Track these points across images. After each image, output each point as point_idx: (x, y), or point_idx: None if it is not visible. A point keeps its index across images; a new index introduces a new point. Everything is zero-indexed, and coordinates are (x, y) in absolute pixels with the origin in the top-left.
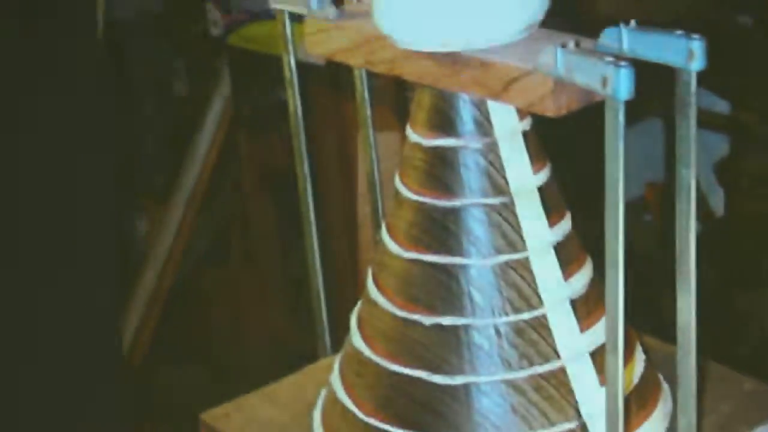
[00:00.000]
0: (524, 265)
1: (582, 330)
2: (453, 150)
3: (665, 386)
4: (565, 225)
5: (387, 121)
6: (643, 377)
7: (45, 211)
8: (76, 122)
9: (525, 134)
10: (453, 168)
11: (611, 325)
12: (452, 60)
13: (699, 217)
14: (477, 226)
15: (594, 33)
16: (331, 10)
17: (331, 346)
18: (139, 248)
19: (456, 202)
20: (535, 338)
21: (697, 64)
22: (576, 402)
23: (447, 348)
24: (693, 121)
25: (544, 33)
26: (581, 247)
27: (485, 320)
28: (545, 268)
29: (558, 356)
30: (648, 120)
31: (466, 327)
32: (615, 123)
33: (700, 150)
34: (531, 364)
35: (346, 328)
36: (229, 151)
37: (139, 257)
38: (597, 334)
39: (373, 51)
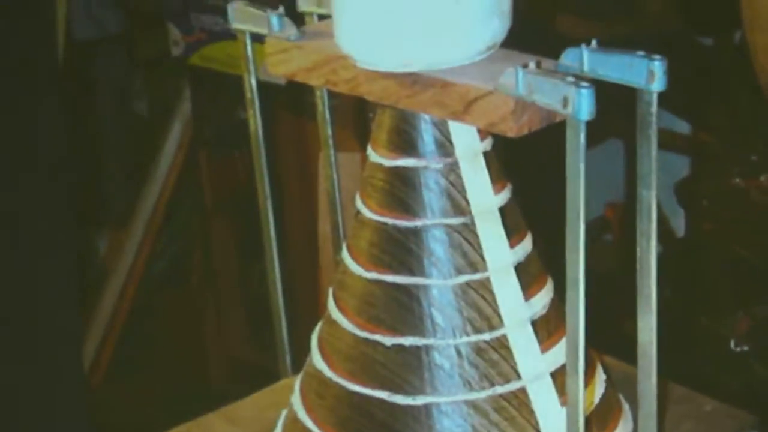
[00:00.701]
0: (485, 286)
1: (543, 350)
2: (414, 170)
3: (626, 407)
4: (526, 245)
5: (348, 141)
6: (603, 398)
7: (2, 231)
8: (34, 142)
9: (486, 155)
10: (414, 188)
11: (572, 345)
12: (413, 80)
13: (659, 238)
14: (438, 247)
15: (555, 53)
16: (292, 31)
17: (291, 367)
18: (99, 268)
19: (417, 223)
20: (495, 359)
21: (658, 84)
22: (537, 423)
23: (408, 368)
24: (654, 142)
25: (505, 53)
26: (542, 267)
27: (446, 341)
28: (506, 288)
29: (519, 377)
30: (609, 140)
31: (427, 347)
32: (576, 143)
33: (660, 170)
34: (492, 384)
35: (307, 349)
36: (190, 171)
37: (99, 277)
38: (558, 354)
39: (335, 71)
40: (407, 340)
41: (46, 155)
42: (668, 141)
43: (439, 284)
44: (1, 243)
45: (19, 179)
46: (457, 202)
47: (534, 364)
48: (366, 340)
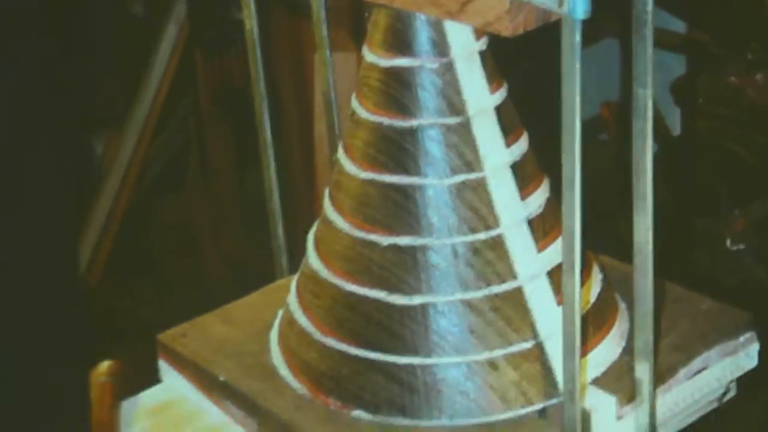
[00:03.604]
0: (481, 185)
1: (539, 250)
2: (409, 70)
3: (622, 306)
4: (522, 145)
5: (343, 41)
6: (599, 297)
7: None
8: (29, 47)
9: (482, 54)
10: (409, 88)
11: (568, 244)
12: None
13: (655, 137)
14: (433, 147)
15: None
16: None
17: (288, 267)
18: (95, 170)
19: (413, 122)
20: (491, 258)
21: None
22: (533, 322)
23: (404, 268)
24: (649, 41)
25: None
26: (538, 167)
27: (442, 240)
28: (502, 187)
29: (515, 276)
30: (604, 40)
31: (423, 247)
32: (571, 42)
33: (655, 69)
34: (488, 284)
35: (303, 249)
36: (185, 73)
37: (95, 179)
38: (554, 254)
39: None
40: (403, 240)
41: (40, 58)
42: (664, 40)
43: (435, 184)
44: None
45: (12, 85)
46: (453, 101)
47: (530, 264)
48: (362, 240)
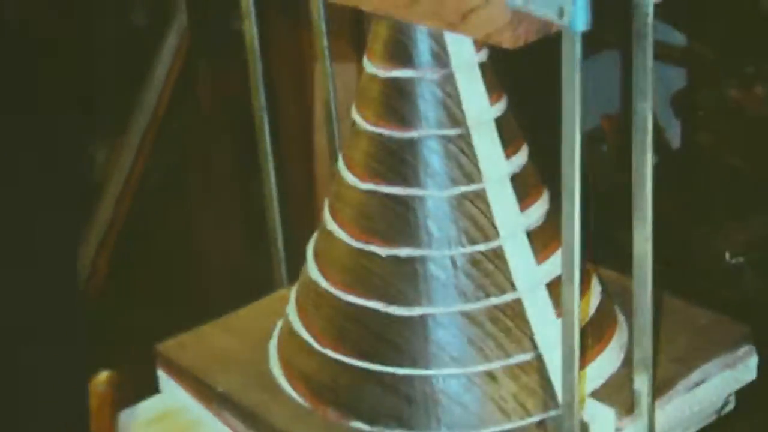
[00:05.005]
0: (481, 197)
1: (538, 262)
2: (410, 81)
3: (621, 318)
4: (522, 156)
5: (343, 51)
6: (599, 309)
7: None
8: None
9: (482, 66)
10: (410, 99)
11: (567, 256)
12: None
13: (655, 149)
14: (433, 158)
15: None
16: None
17: (287, 278)
18: (95, 180)
19: (413, 134)
20: (491, 270)
21: None
22: (532, 334)
23: (403, 279)
24: (650, 53)
25: None
26: (538, 179)
27: (441, 252)
28: (501, 199)
29: (514, 288)
30: (605, 51)
31: (423, 258)
32: (572, 54)
33: (656, 82)
34: (487, 295)
35: (303, 260)
36: (187, 82)
37: (95, 189)
38: (553, 265)
39: None
40: (402, 251)
41: (44, 64)
42: (664, 52)
43: (435, 195)
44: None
45: (18, 90)
46: (453, 112)
47: (529, 275)
48: (361, 250)
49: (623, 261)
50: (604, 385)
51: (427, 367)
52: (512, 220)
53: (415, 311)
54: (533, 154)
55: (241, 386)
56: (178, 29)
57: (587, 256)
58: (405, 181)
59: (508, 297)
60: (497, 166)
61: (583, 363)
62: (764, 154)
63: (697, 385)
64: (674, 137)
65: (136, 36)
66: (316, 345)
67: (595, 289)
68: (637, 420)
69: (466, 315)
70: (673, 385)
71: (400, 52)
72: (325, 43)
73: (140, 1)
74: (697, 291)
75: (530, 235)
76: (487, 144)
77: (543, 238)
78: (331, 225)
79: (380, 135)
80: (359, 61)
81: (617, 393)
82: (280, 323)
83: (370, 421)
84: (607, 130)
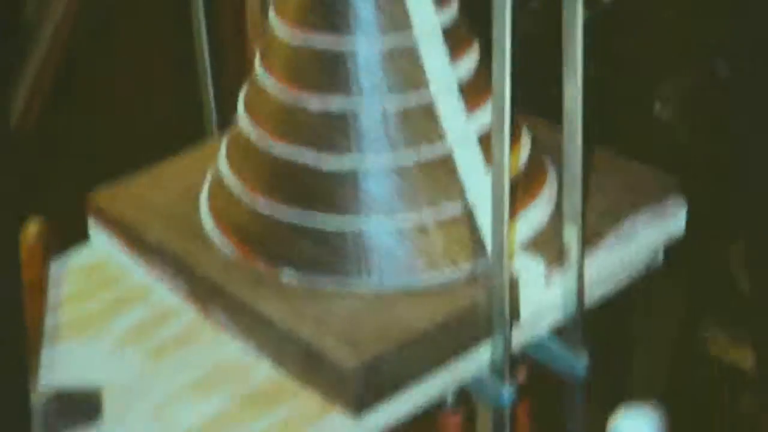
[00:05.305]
0: (411, 49)
1: (469, 113)
2: None
3: (552, 170)
4: (453, 8)
5: None
6: (529, 161)
7: None
8: None
9: None
10: None
11: (497, 107)
12: None
13: (585, 3)
14: (364, 7)
15: None
16: None
17: (217, 130)
18: (28, 23)
19: None
20: (421, 122)
21: None
22: (462, 185)
23: (334, 131)
24: None
25: None
26: (469, 31)
27: (372, 103)
28: (432, 50)
29: (444, 140)
30: None
31: (353, 109)
32: None
33: None
34: (418, 148)
35: (233, 111)
36: None
37: (26, 34)
38: (484, 118)
39: None
40: (334, 102)
41: None
42: None
43: (366, 46)
44: None
45: None
46: None
47: (460, 127)
48: (293, 102)
49: (556, 113)
50: (534, 238)
51: (357, 219)
52: (443, 72)
53: (345, 162)
54: (465, 7)
55: (171, 236)
56: None
57: (517, 111)
58: (336, 32)
59: (438, 149)
60: (427, 16)
61: (513, 214)
62: (699, 6)
63: (626, 235)
64: None
65: None
66: (247, 196)
67: (525, 141)
68: (567, 271)
69: (397, 167)
70: (603, 237)
71: None
72: None
73: None
74: (626, 143)
75: (461, 87)
76: None
77: (474, 91)
78: (263, 77)
79: None
80: None
81: (547, 245)
82: (210, 174)
83: (300, 273)
84: None
